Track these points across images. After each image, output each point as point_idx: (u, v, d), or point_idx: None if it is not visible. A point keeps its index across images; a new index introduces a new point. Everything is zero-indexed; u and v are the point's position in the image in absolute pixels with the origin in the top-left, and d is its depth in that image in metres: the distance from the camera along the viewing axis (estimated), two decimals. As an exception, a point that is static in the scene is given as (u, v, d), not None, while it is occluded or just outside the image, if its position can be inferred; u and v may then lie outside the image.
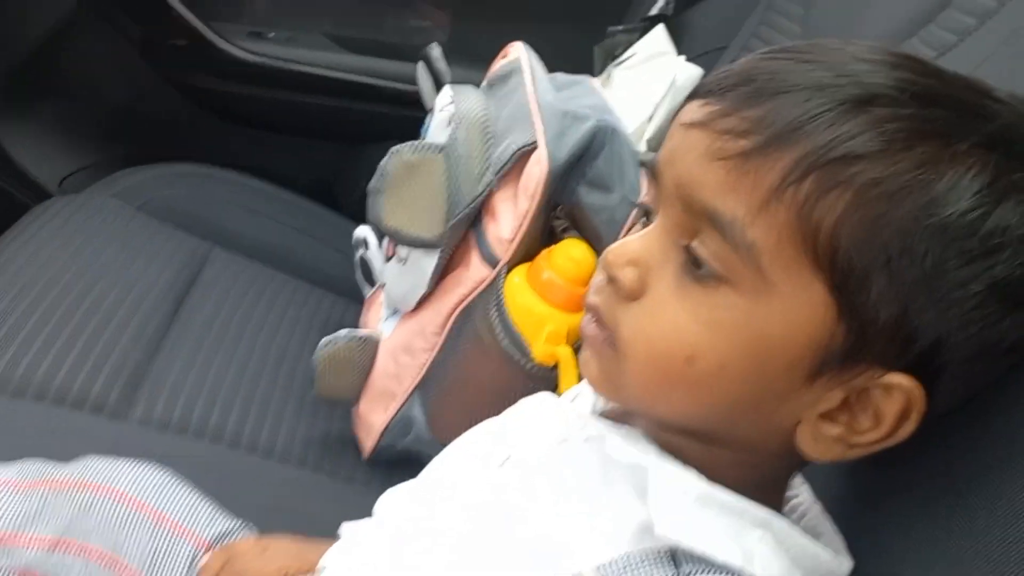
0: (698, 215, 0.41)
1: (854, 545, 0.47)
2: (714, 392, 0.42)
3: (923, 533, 0.45)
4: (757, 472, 0.45)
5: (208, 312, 1.06)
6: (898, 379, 0.40)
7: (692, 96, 0.43)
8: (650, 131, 1.01)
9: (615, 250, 0.45)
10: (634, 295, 0.44)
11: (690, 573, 0.42)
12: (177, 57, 1.37)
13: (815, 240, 0.39)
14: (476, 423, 0.59)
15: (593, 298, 0.46)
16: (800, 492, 0.50)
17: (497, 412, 0.58)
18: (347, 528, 0.62)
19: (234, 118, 1.44)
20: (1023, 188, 0.39)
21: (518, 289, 0.84)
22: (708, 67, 1.05)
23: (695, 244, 0.41)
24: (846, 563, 0.46)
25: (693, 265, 0.42)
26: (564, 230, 0.85)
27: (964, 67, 0.67)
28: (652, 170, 0.44)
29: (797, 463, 0.46)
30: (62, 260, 1.05)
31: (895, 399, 0.40)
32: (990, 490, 0.43)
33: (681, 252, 0.42)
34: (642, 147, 1.00)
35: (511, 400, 0.58)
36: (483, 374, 0.86)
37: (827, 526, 0.48)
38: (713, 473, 0.43)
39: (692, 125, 0.42)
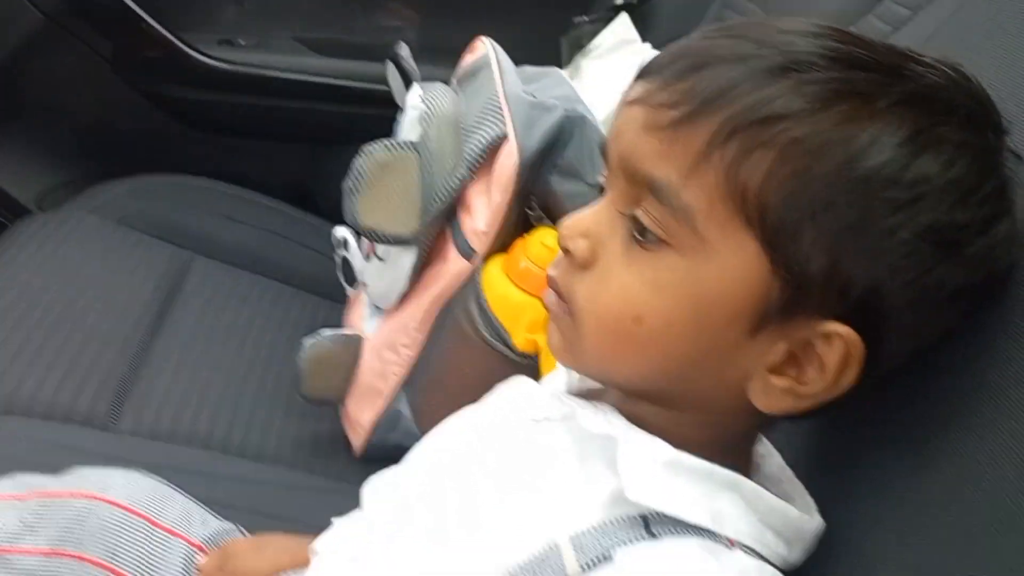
0: (639, 184, 0.43)
1: (828, 508, 0.48)
2: (663, 349, 0.44)
3: (894, 491, 0.47)
4: (720, 434, 0.47)
5: (192, 320, 1.07)
6: (835, 327, 0.42)
7: (636, 78, 0.45)
8: (620, 118, 1.02)
9: (568, 224, 0.47)
10: (586, 264, 0.46)
11: (660, 535, 0.44)
12: (149, 69, 1.38)
13: (744, 199, 0.41)
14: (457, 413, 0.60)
15: (551, 271, 0.48)
16: (771, 460, 0.52)
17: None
18: (338, 521, 0.63)
19: (208, 126, 1.44)
20: (943, 140, 0.41)
21: (496, 280, 0.85)
22: (674, 52, 1.07)
23: (639, 212, 0.43)
24: (815, 522, 0.47)
25: (638, 232, 0.44)
26: (538, 219, 0.86)
27: (916, 39, 0.69)
28: (602, 149, 0.47)
29: (757, 423, 0.48)
30: (43, 277, 1.05)
31: (835, 348, 0.42)
32: (951, 444, 0.44)
33: (627, 221, 0.44)
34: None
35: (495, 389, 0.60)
36: (466, 365, 0.87)
37: (799, 490, 0.50)
38: (679, 440, 0.45)
39: (632, 102, 0.44)
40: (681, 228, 0.42)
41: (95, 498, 0.68)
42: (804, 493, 0.49)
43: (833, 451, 0.52)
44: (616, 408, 0.48)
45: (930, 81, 0.42)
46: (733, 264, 0.42)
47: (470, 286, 0.86)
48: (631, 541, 0.43)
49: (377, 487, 0.62)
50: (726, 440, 0.47)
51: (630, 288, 0.44)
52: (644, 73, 0.45)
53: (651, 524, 0.44)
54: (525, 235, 0.86)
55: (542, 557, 0.44)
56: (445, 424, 0.60)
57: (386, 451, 0.95)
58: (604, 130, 0.95)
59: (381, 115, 1.06)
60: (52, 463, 0.75)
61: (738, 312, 0.42)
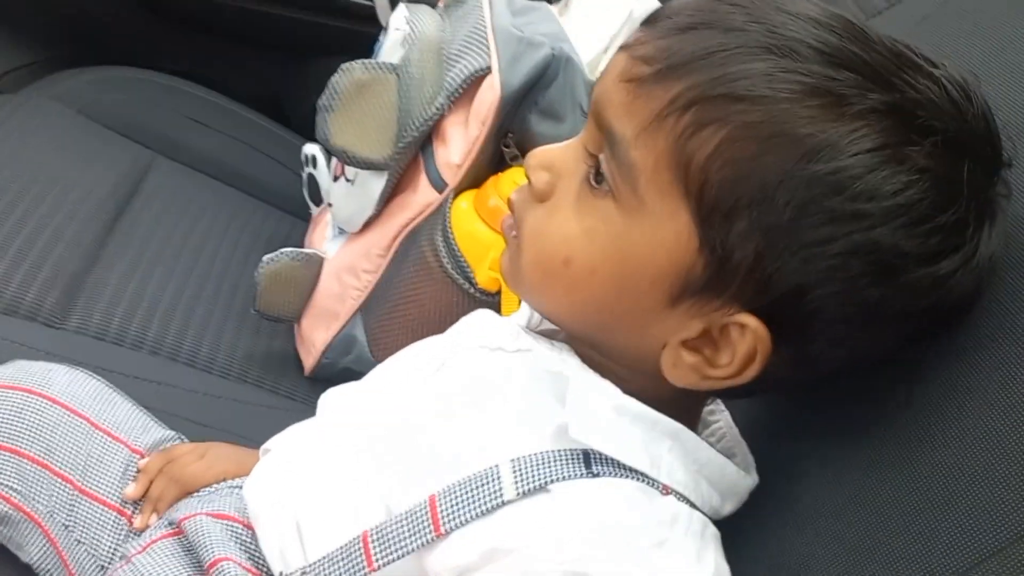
0: (604, 131, 0.44)
1: (769, 469, 0.49)
2: (585, 295, 0.45)
3: (835, 465, 0.47)
4: (661, 390, 0.47)
5: (150, 222, 1.04)
6: (747, 319, 0.42)
7: (641, 23, 0.45)
8: (605, 62, 1.00)
9: (536, 154, 0.48)
10: (542, 197, 0.46)
11: (599, 474, 0.45)
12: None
13: (687, 171, 0.40)
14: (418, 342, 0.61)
15: (514, 195, 0.49)
16: (721, 418, 0.53)
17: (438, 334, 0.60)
18: (292, 428, 0.64)
19: (183, 22, 1.39)
20: (905, 161, 0.39)
21: (464, 215, 0.84)
22: (666, 0, 1.05)
23: (602, 157, 0.44)
24: (750, 479, 0.49)
25: (594, 177, 0.44)
26: (513, 158, 0.85)
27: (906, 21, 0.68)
28: (590, 86, 0.46)
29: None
30: (-4, 161, 1.02)
31: (746, 339, 0.42)
32: (897, 438, 0.44)
33: (589, 164, 0.45)
34: (596, 78, 0.99)
35: (453, 323, 0.60)
36: (426, 297, 0.86)
37: (742, 448, 0.51)
38: (629, 388, 0.46)
39: (622, 47, 0.44)
40: (624, 184, 0.42)
41: (34, 393, 0.66)
42: (746, 452, 0.51)
43: (783, 420, 0.53)
44: (571, 348, 0.49)
45: (918, 96, 0.40)
46: (664, 231, 0.42)
47: (438, 218, 0.85)
48: (570, 476, 0.45)
49: (333, 399, 0.62)
50: (668, 395, 0.47)
51: (568, 230, 0.45)
52: (646, 21, 0.44)
53: (592, 462, 0.45)
54: (498, 173, 0.85)
55: (481, 477, 0.45)
56: (406, 351, 0.60)
57: (336, 373, 0.95)
58: (588, 72, 0.93)
59: (361, 31, 1.03)
60: (-8, 354, 0.73)
61: (660, 278, 0.43)
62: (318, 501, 0.53)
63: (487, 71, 0.82)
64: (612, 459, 0.45)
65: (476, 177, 0.85)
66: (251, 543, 0.58)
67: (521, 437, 0.47)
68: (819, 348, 0.43)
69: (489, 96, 0.81)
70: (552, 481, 0.44)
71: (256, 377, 0.95)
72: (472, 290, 0.84)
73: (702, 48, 0.40)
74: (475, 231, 0.83)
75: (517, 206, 0.48)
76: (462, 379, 0.53)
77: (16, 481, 0.63)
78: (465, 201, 0.85)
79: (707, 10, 0.42)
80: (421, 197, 0.86)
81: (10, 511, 0.63)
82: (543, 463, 0.45)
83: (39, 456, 0.64)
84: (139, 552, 0.61)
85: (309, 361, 0.97)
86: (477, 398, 0.51)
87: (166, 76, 1.27)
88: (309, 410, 0.65)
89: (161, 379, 0.87)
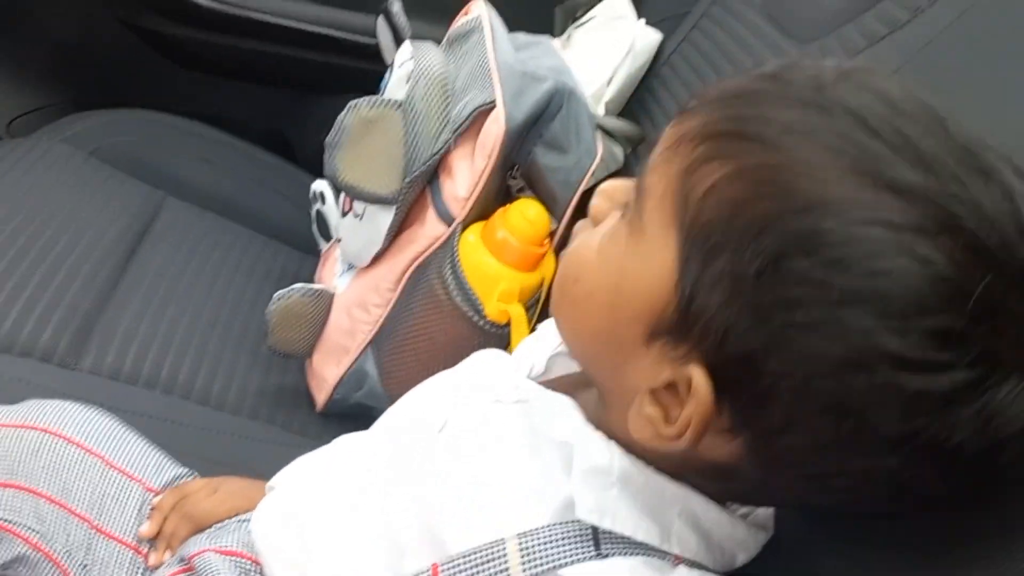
0: None
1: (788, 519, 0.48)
2: (582, 316, 0.45)
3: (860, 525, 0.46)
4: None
5: (161, 262, 1.05)
6: (694, 372, 0.38)
7: None
8: (609, 94, 1.01)
9: (608, 182, 0.48)
10: (595, 221, 0.47)
11: (608, 554, 0.43)
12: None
13: (685, 203, 0.39)
14: (428, 379, 0.61)
15: (577, 224, 0.50)
16: None
17: (449, 368, 0.60)
18: (298, 461, 0.64)
19: (189, 63, 1.41)
20: (907, 248, 0.34)
21: (472, 247, 0.85)
22: (668, 32, 1.06)
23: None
24: (763, 534, 0.47)
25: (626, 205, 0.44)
26: (520, 190, 0.86)
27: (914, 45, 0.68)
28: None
29: None
30: (9, 205, 1.02)
31: (692, 399, 0.39)
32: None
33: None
34: (600, 110, 1.00)
35: (463, 356, 0.61)
36: (436, 330, 0.87)
37: None
38: (628, 442, 0.44)
39: None
40: (636, 208, 0.42)
41: (50, 432, 0.67)
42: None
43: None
44: (575, 402, 0.47)
45: (964, 195, 0.35)
46: (654, 261, 0.40)
47: (446, 251, 0.85)
48: (579, 559, 0.43)
49: (344, 444, 0.62)
50: (677, 453, 0.42)
51: (587, 249, 0.45)
52: None
53: (601, 540, 0.44)
54: (505, 205, 0.86)
55: (487, 553, 0.44)
56: (415, 391, 0.60)
57: (348, 408, 0.95)
58: (591, 104, 0.94)
59: (368, 69, 1.04)
60: (8, 397, 0.74)
61: (641, 311, 0.41)
62: (322, 554, 0.53)
63: (492, 105, 0.83)
64: (621, 535, 0.43)
65: (483, 210, 0.86)
66: None
67: (526, 508, 0.45)
68: (787, 443, 0.38)
69: (494, 129, 0.82)
70: (561, 566, 0.43)
71: (268, 414, 0.95)
72: (482, 322, 0.85)
73: (739, 88, 0.40)
74: (483, 263, 0.84)
75: (577, 231, 0.49)
76: (466, 434, 0.52)
77: (34, 521, 0.63)
78: (473, 234, 0.85)
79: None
80: (429, 230, 0.87)
81: (29, 551, 0.63)
82: (551, 543, 0.43)
83: (56, 496, 0.64)
84: (151, 589, 0.61)
85: (321, 397, 0.97)
86: (481, 459, 0.49)
87: (174, 117, 1.28)
88: (320, 445, 0.65)
89: (174, 417, 0.88)
